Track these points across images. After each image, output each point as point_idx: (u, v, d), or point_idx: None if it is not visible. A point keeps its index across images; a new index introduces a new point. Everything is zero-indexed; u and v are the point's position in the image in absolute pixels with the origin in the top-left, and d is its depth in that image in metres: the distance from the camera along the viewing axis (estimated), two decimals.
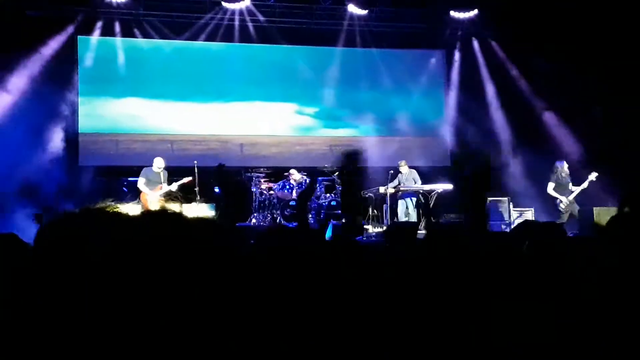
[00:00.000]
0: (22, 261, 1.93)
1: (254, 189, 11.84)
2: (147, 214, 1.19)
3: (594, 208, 9.71)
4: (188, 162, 11.36)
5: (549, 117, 12.99)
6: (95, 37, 12.64)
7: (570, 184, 10.71)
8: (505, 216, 11.72)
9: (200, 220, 1.18)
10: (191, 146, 13.01)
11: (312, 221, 11.68)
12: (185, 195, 10.80)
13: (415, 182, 11.70)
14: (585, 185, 10.50)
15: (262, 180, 12.00)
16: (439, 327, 1.73)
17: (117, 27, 12.65)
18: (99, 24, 12.54)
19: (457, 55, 14.15)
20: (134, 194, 10.96)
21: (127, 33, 12.71)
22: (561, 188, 10.71)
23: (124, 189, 11.50)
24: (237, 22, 13.07)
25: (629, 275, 1.93)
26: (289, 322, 1.45)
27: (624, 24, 10.95)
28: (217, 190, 11.94)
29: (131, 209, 10.40)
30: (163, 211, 1.17)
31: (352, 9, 12.91)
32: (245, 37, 13.19)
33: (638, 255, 1.96)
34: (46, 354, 1.09)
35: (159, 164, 10.77)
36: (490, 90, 13.80)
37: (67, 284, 1.08)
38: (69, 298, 1.11)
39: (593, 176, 10.45)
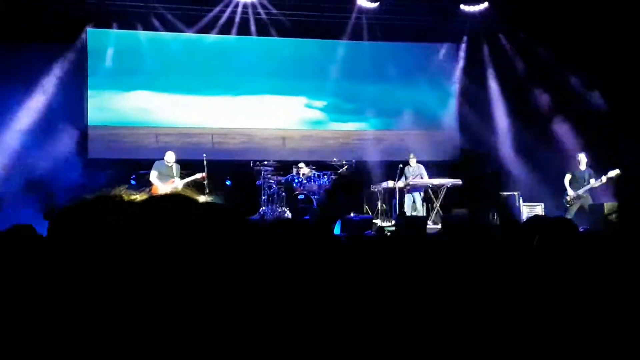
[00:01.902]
0: (38, 252, 1.94)
1: (263, 182, 11.85)
2: (160, 197, 1.19)
3: (605, 203, 9.64)
4: (197, 155, 11.38)
5: (559, 111, 12.86)
6: (105, 30, 12.66)
7: (591, 179, 10.52)
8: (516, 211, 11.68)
9: (214, 206, 1.18)
10: (199, 139, 13.03)
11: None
12: (195, 189, 10.82)
13: (422, 177, 11.68)
14: (603, 180, 10.27)
15: (270, 173, 12.00)
16: (447, 324, 1.73)
17: (127, 20, 12.65)
18: (109, 17, 12.55)
19: (466, 49, 14.09)
20: (143, 187, 10.98)
21: (136, 26, 12.71)
22: (577, 180, 10.60)
23: (132, 181, 11.52)
24: (246, 15, 13.06)
25: (634, 269, 1.92)
26: (294, 317, 1.45)
27: (633, 19, 10.85)
28: (228, 183, 11.97)
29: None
30: (177, 195, 1.18)
31: (361, 2, 12.87)
32: (255, 30, 13.18)
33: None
34: (62, 344, 1.09)
35: (170, 158, 10.79)
36: (499, 84, 13.73)
37: (80, 273, 1.08)
38: (83, 287, 1.12)
39: (613, 173, 10.26)
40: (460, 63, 14.13)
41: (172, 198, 1.18)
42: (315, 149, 13.55)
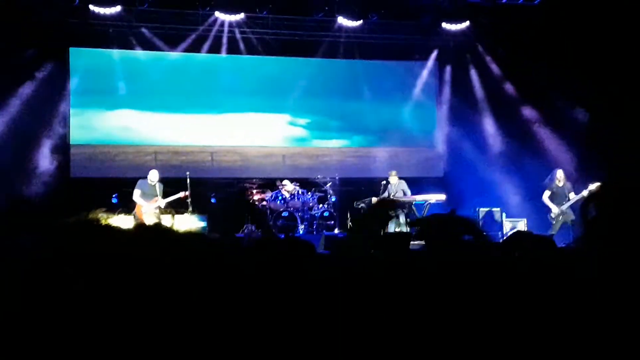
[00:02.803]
0: (18, 271, 1.93)
1: (247, 200, 11.85)
2: (139, 228, 1.20)
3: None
4: (181, 173, 11.36)
5: (542, 127, 12.99)
6: (87, 48, 12.64)
7: (571, 193, 10.58)
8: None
9: (191, 235, 1.19)
10: (184, 157, 13.01)
11: (304, 232, 11.68)
12: (178, 207, 10.81)
13: (405, 193, 11.71)
14: (584, 194, 10.12)
15: (254, 191, 12.00)
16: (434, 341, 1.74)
17: (109, 39, 12.62)
18: (92, 36, 12.52)
19: (448, 67, 14.22)
20: (125, 206, 10.93)
21: (119, 45, 12.69)
22: (557, 197, 10.64)
23: (113, 200, 11.45)
24: (230, 34, 13.09)
25: (609, 286, 1.94)
26: (278, 334, 1.45)
27: (617, 32, 10.98)
28: (213, 200, 11.97)
29: (123, 220, 10.41)
30: (154, 226, 1.19)
31: (343, 21, 12.97)
32: (237, 49, 13.22)
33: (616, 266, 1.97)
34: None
35: (153, 176, 10.76)
36: (482, 100, 13.85)
37: (60, 295, 1.08)
38: (63, 307, 1.12)
39: (594, 186, 10.25)
40: (444, 80, 14.25)
41: (154, 229, 1.19)
42: (299, 166, 13.57)
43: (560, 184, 10.66)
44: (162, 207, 10.67)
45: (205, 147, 13.28)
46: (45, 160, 11.57)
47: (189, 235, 1.19)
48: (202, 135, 13.23)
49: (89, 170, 12.42)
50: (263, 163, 13.48)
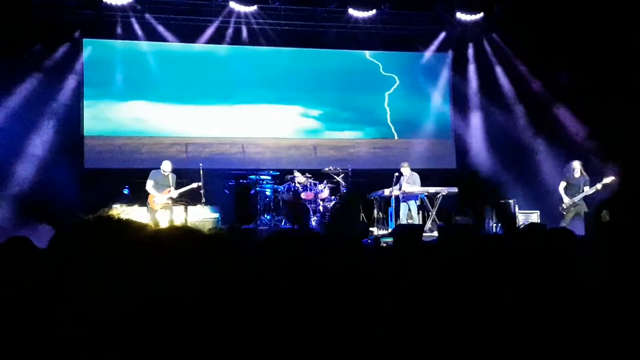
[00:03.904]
0: (34, 265, 1.94)
1: (259, 191, 11.87)
2: (168, 230, 1.20)
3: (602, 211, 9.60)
4: (194, 164, 11.39)
5: (560, 115, 12.83)
6: (101, 40, 12.69)
7: (586, 186, 10.48)
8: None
9: (212, 237, 1.19)
10: (197, 149, 13.04)
11: (317, 223, 11.70)
12: (191, 198, 10.84)
13: (416, 185, 11.67)
14: (598, 187, 10.21)
15: (266, 182, 12.01)
16: (449, 332, 1.74)
17: (123, 30, 12.66)
18: (105, 27, 12.57)
19: (462, 58, 14.14)
20: (137, 197, 10.99)
21: (132, 36, 12.73)
22: (572, 188, 10.59)
23: (125, 191, 11.50)
24: (241, 25, 13.11)
25: (618, 277, 1.93)
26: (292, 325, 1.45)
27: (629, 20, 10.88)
28: (226, 192, 12.01)
29: (138, 212, 10.47)
30: (182, 228, 1.19)
31: (355, 12, 12.92)
32: (250, 40, 13.24)
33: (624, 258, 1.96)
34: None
35: (166, 167, 10.79)
36: (497, 91, 13.77)
37: (79, 290, 1.09)
38: (80, 302, 1.12)
39: (609, 179, 10.24)
40: (457, 71, 14.18)
41: (180, 231, 1.19)
42: (311, 158, 13.56)
43: (577, 176, 10.60)
44: (175, 197, 10.70)
45: (218, 139, 13.29)
46: (59, 151, 11.61)
47: (213, 237, 1.19)
48: (214, 127, 13.25)
49: (102, 161, 12.48)
50: (275, 154, 13.48)
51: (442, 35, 13.91)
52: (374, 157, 13.76)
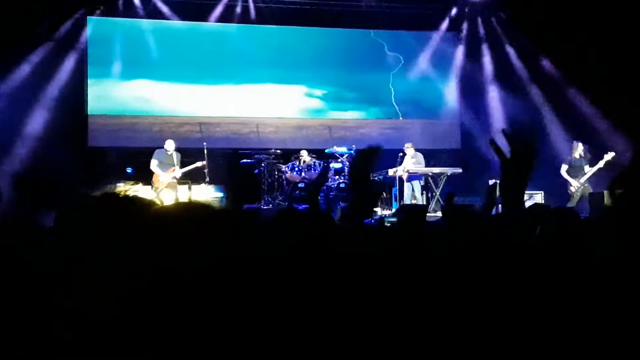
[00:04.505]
0: (38, 244, 1.93)
1: (263, 171, 11.86)
2: (177, 205, 1.19)
3: (605, 191, 9.55)
4: (198, 144, 11.39)
5: (571, 95, 12.75)
6: (105, 18, 12.62)
7: (587, 166, 10.46)
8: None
9: (220, 212, 1.18)
10: (200, 128, 13.02)
11: (320, 203, 11.69)
12: (195, 177, 10.86)
13: (420, 165, 11.65)
14: (600, 165, 10.12)
15: (270, 162, 12.01)
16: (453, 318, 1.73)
17: (127, 8, 12.59)
18: (109, 5, 12.50)
19: (468, 37, 14.04)
20: (141, 176, 11.00)
21: (136, 14, 12.65)
22: (575, 170, 10.51)
23: (128, 170, 11.53)
24: (246, 3, 13.03)
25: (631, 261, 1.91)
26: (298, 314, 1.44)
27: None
28: (231, 171, 12.02)
29: (142, 191, 10.48)
30: (192, 203, 1.18)
31: None
32: (255, 19, 13.14)
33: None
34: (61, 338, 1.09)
35: (170, 146, 10.78)
36: (503, 70, 13.69)
37: (86, 269, 1.09)
38: (86, 281, 1.12)
39: (609, 156, 10.14)
40: (462, 50, 14.07)
41: (187, 206, 1.18)
42: (315, 138, 13.53)
43: (578, 157, 10.53)
44: (179, 177, 10.71)
45: (222, 118, 13.27)
46: (62, 130, 11.59)
47: (220, 211, 1.18)
48: (218, 106, 13.22)
49: (106, 140, 12.47)
50: (279, 134, 13.46)
51: (449, 14, 13.81)
52: (377, 137, 13.71)
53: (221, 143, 12.66)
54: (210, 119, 13.21)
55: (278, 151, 12.16)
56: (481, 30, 13.98)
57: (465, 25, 14.03)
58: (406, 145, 11.79)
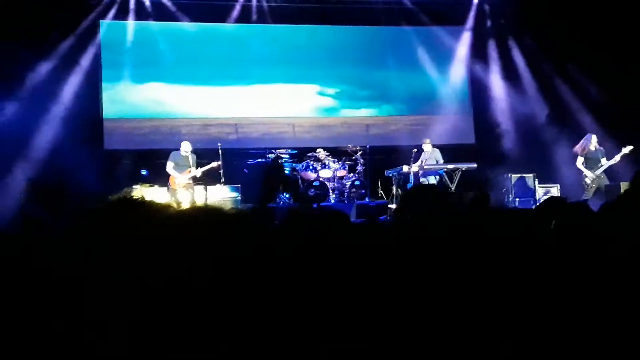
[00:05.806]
0: (55, 247, 1.97)
1: (278, 170, 11.89)
2: (192, 210, 1.21)
3: (621, 183, 9.49)
4: (212, 144, 11.44)
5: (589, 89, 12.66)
6: (118, 21, 12.68)
7: (603, 158, 10.38)
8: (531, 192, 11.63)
9: (235, 216, 1.20)
10: (214, 129, 13.06)
11: (335, 201, 11.73)
12: (210, 178, 10.91)
13: (437, 162, 11.61)
14: (617, 158, 10.08)
15: (285, 161, 12.04)
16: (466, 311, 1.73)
17: (139, 11, 12.65)
18: (122, 8, 12.56)
19: (480, 32, 13.95)
20: (157, 178, 11.08)
21: (148, 17, 12.71)
22: (591, 162, 10.42)
23: (142, 171, 11.61)
24: (259, 3, 13.04)
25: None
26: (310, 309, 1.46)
27: None
28: (245, 171, 12.06)
29: (158, 193, 10.56)
30: (206, 208, 1.20)
31: None
32: (266, 18, 13.15)
33: None
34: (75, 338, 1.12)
35: (186, 147, 10.85)
36: (516, 65, 13.60)
37: (104, 272, 1.11)
38: (105, 283, 1.14)
39: (627, 149, 10.08)
40: (475, 45, 13.97)
41: (203, 211, 1.20)
42: (329, 136, 13.53)
43: (594, 149, 10.45)
44: (198, 176, 10.77)
45: (236, 119, 13.30)
46: (78, 134, 11.66)
47: (236, 216, 1.20)
48: (231, 107, 13.25)
49: (122, 143, 12.54)
50: (293, 133, 13.47)
51: (460, 9, 13.73)
52: (391, 133, 13.69)
53: (236, 143, 12.71)
54: (224, 120, 13.24)
55: (290, 150, 12.19)
56: (493, 25, 13.89)
57: (470, 20, 13.92)
58: (424, 140, 11.76)
